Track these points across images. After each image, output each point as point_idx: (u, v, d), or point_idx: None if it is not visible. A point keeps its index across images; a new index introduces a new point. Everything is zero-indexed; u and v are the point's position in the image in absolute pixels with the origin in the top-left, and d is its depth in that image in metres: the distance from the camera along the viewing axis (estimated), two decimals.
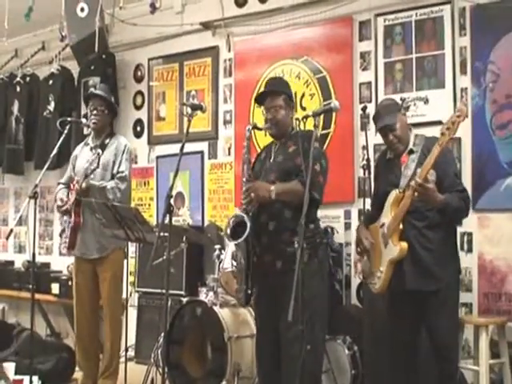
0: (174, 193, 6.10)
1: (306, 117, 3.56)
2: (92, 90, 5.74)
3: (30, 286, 4.72)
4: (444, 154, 3.60)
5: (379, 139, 5.11)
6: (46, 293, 6.59)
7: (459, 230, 4.35)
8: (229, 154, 6.13)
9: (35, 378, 4.61)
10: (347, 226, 5.33)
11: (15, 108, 7.57)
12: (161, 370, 4.49)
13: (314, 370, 3.75)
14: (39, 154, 7.15)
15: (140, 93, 6.84)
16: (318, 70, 5.55)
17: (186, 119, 4.07)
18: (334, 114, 5.27)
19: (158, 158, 6.62)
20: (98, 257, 4.76)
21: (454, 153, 4.61)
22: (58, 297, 6.58)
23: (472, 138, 4.76)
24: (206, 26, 6.22)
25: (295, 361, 3.26)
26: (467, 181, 4.60)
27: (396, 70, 5.16)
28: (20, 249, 7.85)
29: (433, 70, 4.98)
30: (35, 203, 4.38)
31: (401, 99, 4.92)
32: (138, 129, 6.82)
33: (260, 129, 4.06)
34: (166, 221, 3.53)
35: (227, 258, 4.60)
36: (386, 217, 3.68)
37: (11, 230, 5.06)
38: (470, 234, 4.72)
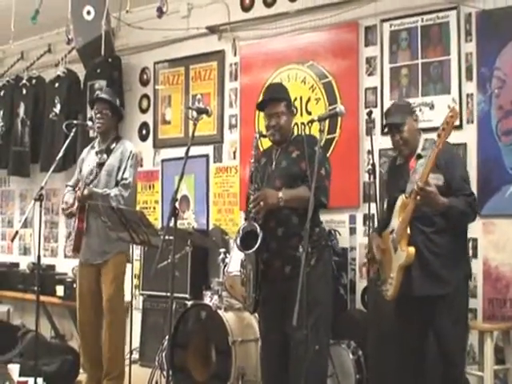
0: (178, 196, 6.04)
1: (312, 121, 3.58)
2: (98, 93, 5.76)
3: (35, 288, 4.73)
4: (452, 157, 3.62)
5: (385, 144, 5.16)
6: (50, 295, 6.60)
7: None
8: (234, 157, 6.14)
9: (40, 380, 4.60)
10: (352, 231, 5.33)
11: (21, 110, 7.59)
12: (165, 373, 4.50)
13: (321, 373, 3.76)
14: (45, 156, 7.16)
15: (146, 96, 6.85)
16: (323, 75, 5.55)
17: (191, 123, 4.07)
18: (339, 119, 5.28)
19: (163, 161, 6.63)
20: (100, 262, 4.77)
21: None
22: (62, 299, 6.59)
23: (477, 143, 4.76)
24: (212, 30, 6.23)
25: (303, 363, 3.28)
26: (473, 187, 4.56)
27: (402, 75, 5.16)
28: (25, 251, 7.86)
29: (438, 75, 4.98)
30: (41, 205, 4.39)
31: None
32: (144, 132, 6.84)
33: (266, 136, 4.08)
34: (171, 224, 3.54)
35: (232, 261, 4.61)
36: (395, 223, 3.69)
37: (16, 232, 5.06)
38: (475, 240, 4.70)
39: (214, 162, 6.28)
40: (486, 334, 4.27)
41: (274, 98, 4.00)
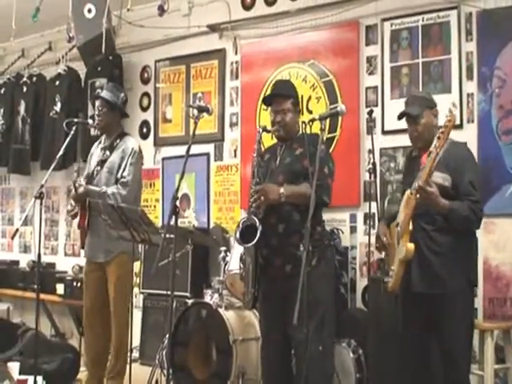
0: (179, 194, 6.09)
1: (313, 120, 3.57)
2: (98, 91, 5.75)
3: (35, 286, 4.72)
4: (463, 160, 3.59)
5: (385, 143, 5.17)
6: (50, 293, 6.61)
7: None
8: (235, 156, 6.15)
9: (39, 378, 4.59)
10: (353, 230, 5.34)
11: (22, 108, 7.59)
12: (165, 371, 4.49)
13: (326, 374, 3.77)
14: (45, 154, 7.16)
15: (146, 94, 6.86)
16: (324, 74, 5.56)
17: (192, 121, 4.08)
18: (340, 118, 5.29)
19: (163, 159, 6.64)
20: (103, 261, 4.75)
21: None
22: (62, 297, 6.60)
23: (478, 143, 4.76)
24: (213, 28, 6.24)
25: (304, 363, 3.29)
26: None
27: (402, 74, 5.17)
28: (25, 249, 7.87)
29: (439, 74, 4.99)
30: (41, 203, 4.37)
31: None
32: (145, 130, 6.84)
33: (269, 131, 4.08)
34: (172, 222, 3.54)
35: (233, 259, 4.61)
36: (401, 217, 3.68)
37: (17, 230, 5.07)
38: None
39: (215, 160, 6.28)
40: (486, 333, 4.28)
41: (282, 94, 3.99)
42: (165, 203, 6.53)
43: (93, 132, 6.25)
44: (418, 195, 3.48)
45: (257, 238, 3.67)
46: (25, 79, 7.54)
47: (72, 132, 4.81)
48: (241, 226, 3.81)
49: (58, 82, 7.20)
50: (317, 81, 5.59)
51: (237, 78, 6.18)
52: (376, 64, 5.31)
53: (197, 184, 6.35)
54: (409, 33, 5.15)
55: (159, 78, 6.73)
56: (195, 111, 3.82)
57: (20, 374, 4.87)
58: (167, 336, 4.38)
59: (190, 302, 4.99)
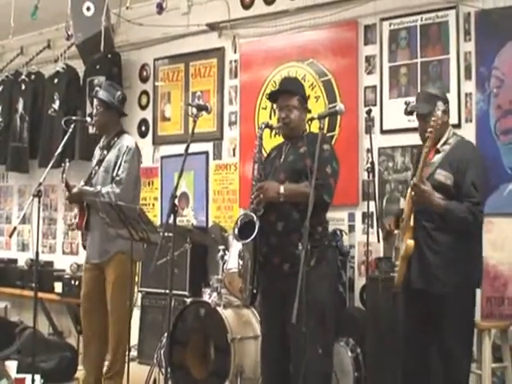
0: (178, 193, 6.07)
1: (312, 119, 3.58)
2: (97, 89, 5.73)
3: (33, 285, 4.72)
4: (468, 160, 3.57)
5: (384, 143, 5.18)
6: (48, 291, 6.60)
7: None
8: (233, 154, 6.15)
9: (37, 377, 4.59)
10: (351, 229, 5.35)
11: (20, 106, 7.58)
12: (163, 370, 4.50)
13: (325, 374, 3.77)
14: (43, 152, 7.16)
15: (145, 93, 6.86)
16: (323, 73, 5.56)
17: (191, 120, 4.08)
18: (338, 117, 5.30)
19: (162, 158, 6.64)
20: (100, 261, 4.72)
21: None
22: (60, 295, 6.60)
23: (476, 142, 4.74)
24: (212, 27, 6.24)
25: (302, 362, 3.29)
26: None
27: (401, 74, 5.18)
28: (23, 247, 7.87)
29: (437, 74, 4.99)
30: (39, 201, 4.36)
31: (405, 103, 4.90)
32: (143, 129, 6.84)
33: (272, 128, 4.07)
34: (170, 221, 3.54)
35: (231, 258, 4.60)
36: (404, 212, 3.69)
37: (14, 228, 5.04)
38: None
39: (214, 159, 6.29)
40: (483, 333, 4.28)
41: (288, 90, 3.96)
42: (163, 202, 6.53)
43: (91, 130, 6.23)
44: (412, 193, 3.49)
45: (255, 233, 3.66)
46: (23, 77, 7.53)
47: (70, 130, 4.79)
48: (239, 222, 3.81)
49: (56, 80, 7.19)
50: (316, 80, 5.59)
51: (236, 76, 6.18)
52: (375, 63, 5.32)
53: (195, 183, 6.35)
54: (407, 32, 5.15)
55: (158, 76, 6.73)
56: (194, 110, 3.82)
57: (18, 372, 4.85)
58: (165, 335, 4.38)
59: (188, 300, 4.98)
